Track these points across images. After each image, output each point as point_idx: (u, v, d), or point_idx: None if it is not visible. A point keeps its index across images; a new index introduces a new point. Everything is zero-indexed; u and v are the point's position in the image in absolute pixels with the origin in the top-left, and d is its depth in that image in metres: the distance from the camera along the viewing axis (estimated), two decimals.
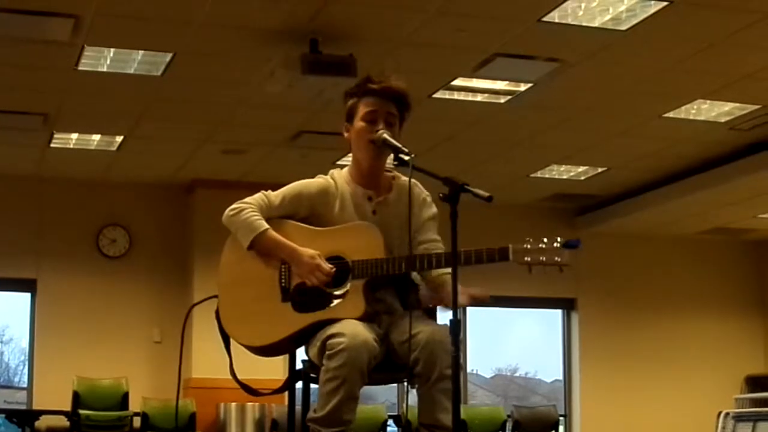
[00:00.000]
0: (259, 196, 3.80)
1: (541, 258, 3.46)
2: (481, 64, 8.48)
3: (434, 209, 3.86)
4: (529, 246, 3.48)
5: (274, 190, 3.85)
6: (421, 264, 3.62)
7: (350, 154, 3.91)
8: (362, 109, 3.76)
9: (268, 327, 3.71)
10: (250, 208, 3.75)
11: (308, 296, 3.68)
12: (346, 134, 3.83)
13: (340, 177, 3.84)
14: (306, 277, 3.68)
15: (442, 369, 3.52)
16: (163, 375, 11.58)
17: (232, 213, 3.77)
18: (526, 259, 3.47)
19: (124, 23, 7.69)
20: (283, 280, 3.73)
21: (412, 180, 3.71)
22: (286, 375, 3.90)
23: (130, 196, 12.31)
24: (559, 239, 3.48)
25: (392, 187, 3.84)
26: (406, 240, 3.62)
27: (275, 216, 3.78)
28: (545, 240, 3.47)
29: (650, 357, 13.70)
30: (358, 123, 3.76)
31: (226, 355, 3.88)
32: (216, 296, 3.83)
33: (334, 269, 3.67)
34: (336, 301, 3.66)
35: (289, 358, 3.89)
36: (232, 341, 3.82)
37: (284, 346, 3.77)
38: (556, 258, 3.45)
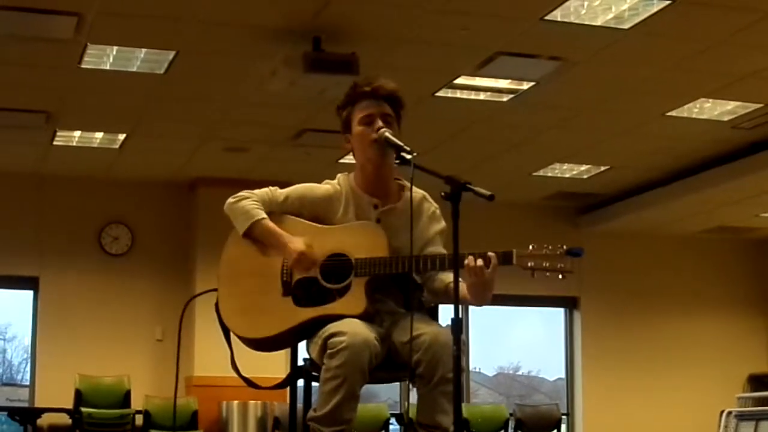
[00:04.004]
0: (264, 190, 3.84)
1: (544, 264, 3.49)
2: (484, 63, 8.48)
3: (443, 224, 3.84)
4: (532, 251, 3.50)
5: (279, 188, 3.87)
6: (424, 265, 3.62)
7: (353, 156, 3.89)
8: (358, 114, 3.74)
9: (266, 320, 3.71)
10: (252, 197, 3.80)
11: (309, 291, 3.69)
12: (347, 145, 3.82)
13: (346, 183, 3.83)
14: (293, 265, 3.70)
15: (444, 372, 3.52)
16: (165, 373, 11.58)
17: (233, 200, 3.82)
18: (529, 264, 3.50)
19: (127, 21, 7.69)
20: (284, 275, 3.73)
21: (423, 192, 3.76)
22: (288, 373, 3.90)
23: (133, 194, 12.31)
24: (562, 246, 3.50)
25: (401, 198, 3.80)
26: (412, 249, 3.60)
27: (276, 212, 3.80)
28: (549, 246, 3.50)
29: (652, 356, 13.68)
30: (357, 127, 3.74)
31: (228, 350, 3.88)
32: (215, 290, 3.84)
33: (320, 260, 3.67)
34: (337, 298, 3.65)
35: (291, 353, 3.90)
36: (232, 334, 3.83)
37: (282, 341, 3.77)
38: (559, 264, 3.49)
